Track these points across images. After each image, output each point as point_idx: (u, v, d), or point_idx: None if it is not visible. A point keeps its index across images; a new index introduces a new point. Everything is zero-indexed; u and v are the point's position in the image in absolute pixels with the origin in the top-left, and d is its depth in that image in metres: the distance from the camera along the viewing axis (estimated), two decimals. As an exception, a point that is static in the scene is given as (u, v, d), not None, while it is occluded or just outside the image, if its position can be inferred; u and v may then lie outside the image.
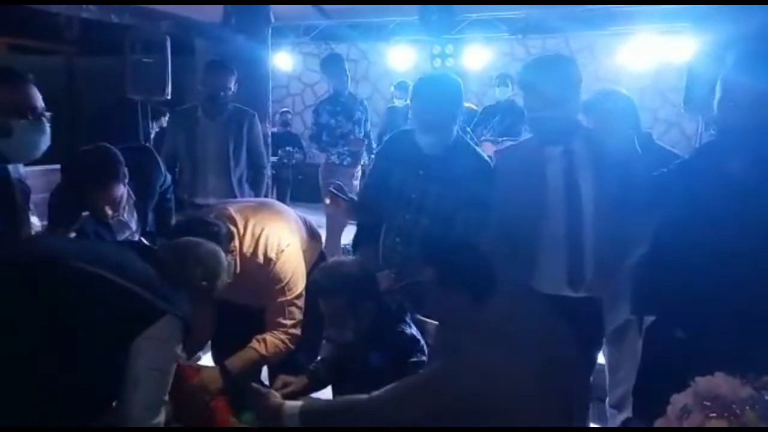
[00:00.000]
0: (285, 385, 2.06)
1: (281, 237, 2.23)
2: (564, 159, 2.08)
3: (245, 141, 3.56)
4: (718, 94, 1.76)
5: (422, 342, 2.05)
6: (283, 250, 2.19)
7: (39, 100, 1.91)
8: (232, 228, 2.11)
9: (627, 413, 2.42)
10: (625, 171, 2.02)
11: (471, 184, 2.23)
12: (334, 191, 2.43)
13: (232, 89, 3.54)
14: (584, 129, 2.21)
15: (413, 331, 2.08)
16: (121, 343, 1.49)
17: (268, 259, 2.16)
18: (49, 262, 1.52)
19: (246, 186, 3.59)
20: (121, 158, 2.28)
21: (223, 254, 1.84)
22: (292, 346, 2.18)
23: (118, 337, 1.49)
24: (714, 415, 0.84)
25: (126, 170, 2.29)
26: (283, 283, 2.18)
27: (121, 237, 2.40)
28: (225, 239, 1.99)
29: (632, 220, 1.96)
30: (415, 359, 1.99)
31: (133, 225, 2.48)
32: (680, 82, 4.18)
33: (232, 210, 2.22)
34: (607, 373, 2.67)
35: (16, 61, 7.78)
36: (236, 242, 2.11)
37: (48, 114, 1.92)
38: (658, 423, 0.96)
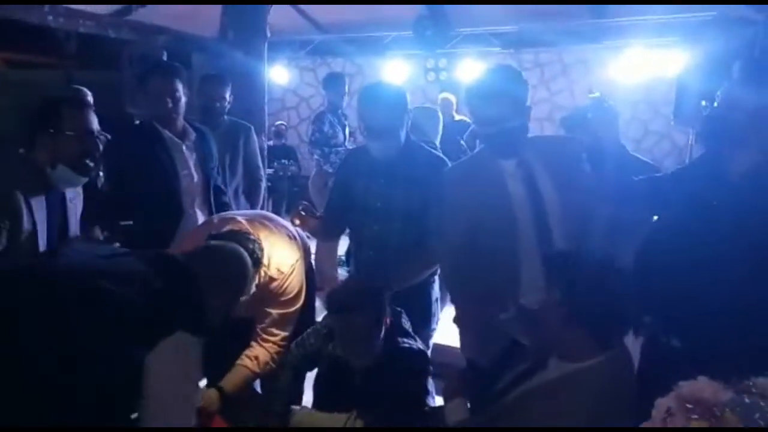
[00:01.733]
0: None
1: (290, 251, 2.27)
2: (521, 169, 2.07)
3: (242, 153, 3.59)
4: (717, 104, 1.78)
5: (428, 354, 2.09)
6: (292, 264, 2.23)
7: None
8: None
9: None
10: (581, 172, 2.03)
11: (431, 182, 2.27)
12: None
13: (228, 100, 3.56)
14: (532, 138, 2.20)
15: (418, 344, 2.10)
16: (132, 357, 1.42)
17: (280, 273, 2.19)
18: (67, 275, 1.51)
19: (242, 198, 3.62)
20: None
21: (250, 262, 1.80)
22: (279, 361, 2.21)
23: (130, 351, 1.42)
24: (695, 417, 0.87)
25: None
26: (290, 296, 2.22)
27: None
28: (262, 250, 2.00)
29: (599, 219, 1.97)
30: (423, 373, 2.03)
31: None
32: (671, 95, 4.24)
33: (244, 222, 2.23)
34: None
35: (16, 76, 7.82)
36: None
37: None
38: (643, 427, 0.99)
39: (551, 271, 1.59)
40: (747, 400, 0.87)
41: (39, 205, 2.00)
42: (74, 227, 2.17)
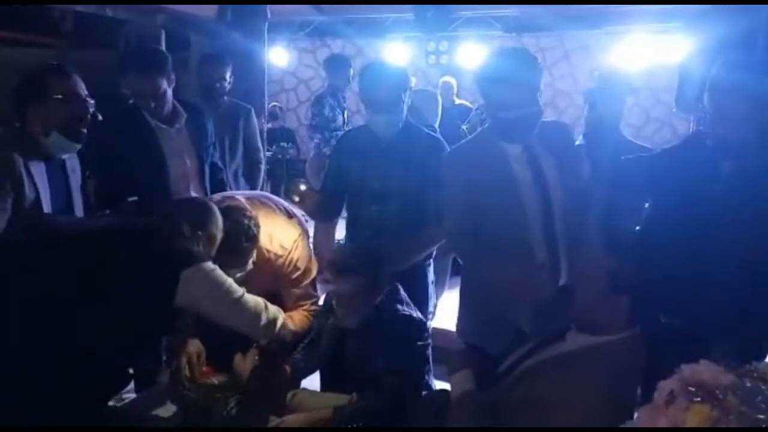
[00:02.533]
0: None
1: (291, 227, 2.32)
2: (526, 153, 2.07)
3: (242, 135, 3.56)
4: (707, 92, 1.78)
5: (428, 324, 2.14)
6: (295, 239, 2.30)
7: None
8: None
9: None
10: (580, 156, 2.10)
11: (430, 163, 2.29)
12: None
13: (228, 81, 3.52)
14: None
15: (418, 313, 2.13)
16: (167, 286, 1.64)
17: (284, 249, 2.25)
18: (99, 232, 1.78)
19: (242, 180, 3.61)
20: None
21: (210, 205, 1.99)
22: (313, 320, 2.30)
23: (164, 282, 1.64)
24: (698, 400, 0.88)
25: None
26: (301, 271, 2.31)
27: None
28: (258, 227, 2.10)
29: (597, 201, 1.98)
30: (421, 342, 2.07)
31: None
32: (672, 82, 4.22)
33: (243, 200, 2.26)
34: None
35: (9, 54, 7.74)
36: None
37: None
38: (644, 409, 0.99)
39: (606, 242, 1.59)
40: (748, 384, 0.88)
41: (39, 172, 2.07)
42: (77, 197, 2.24)
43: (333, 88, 4.95)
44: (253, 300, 1.82)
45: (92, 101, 2.16)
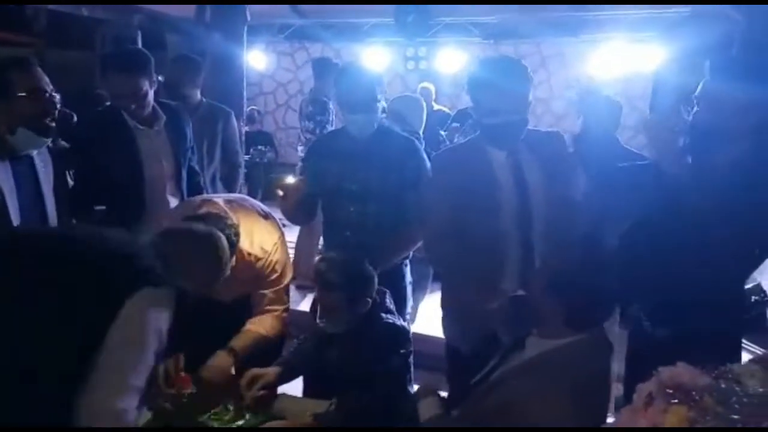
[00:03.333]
0: (254, 380, 2.03)
1: (270, 229, 2.28)
2: (510, 160, 2.08)
3: (220, 138, 3.52)
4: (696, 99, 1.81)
5: (410, 333, 2.14)
6: (275, 242, 2.26)
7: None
8: None
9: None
10: (567, 165, 2.11)
11: (406, 164, 2.35)
12: (288, 180, 2.49)
13: (198, 84, 3.47)
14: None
15: (402, 322, 2.14)
16: (102, 313, 1.37)
17: (264, 252, 2.20)
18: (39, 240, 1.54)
19: (219, 184, 3.56)
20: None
21: (226, 245, 1.82)
22: (284, 329, 2.25)
23: (100, 306, 1.37)
24: (675, 401, 0.89)
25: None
26: (278, 273, 2.25)
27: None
28: (238, 235, 1.99)
29: (582, 210, 2.01)
30: (404, 350, 2.07)
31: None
32: (648, 90, 4.30)
33: (221, 203, 2.22)
34: None
35: (-20, 52, 7.58)
36: None
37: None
38: (624, 410, 1.00)
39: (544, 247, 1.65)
40: (723, 386, 0.89)
41: (3, 170, 1.99)
42: (48, 194, 2.14)
43: (322, 90, 4.90)
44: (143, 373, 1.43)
45: (57, 95, 2.08)
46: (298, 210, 2.47)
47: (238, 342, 2.14)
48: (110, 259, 1.46)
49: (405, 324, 2.16)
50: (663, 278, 1.71)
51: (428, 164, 2.38)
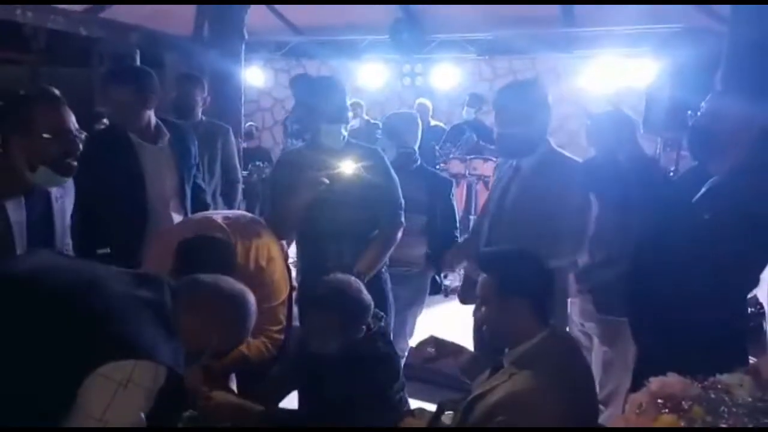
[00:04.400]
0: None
1: (269, 245, 2.26)
2: (511, 171, 2.45)
3: (219, 155, 3.55)
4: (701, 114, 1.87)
5: (397, 359, 2.10)
6: (272, 258, 2.23)
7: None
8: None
9: (613, 409, 2.50)
10: (565, 191, 2.28)
11: (375, 166, 2.49)
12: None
13: (203, 101, 3.52)
14: (546, 150, 2.41)
15: (397, 352, 2.15)
16: (69, 379, 1.24)
17: (259, 267, 2.17)
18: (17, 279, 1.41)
19: (219, 200, 3.59)
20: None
21: (249, 305, 1.62)
22: (274, 352, 2.18)
23: (67, 372, 1.24)
24: (666, 411, 0.90)
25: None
26: (271, 289, 2.20)
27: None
28: (234, 255, 1.99)
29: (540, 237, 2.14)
30: (395, 384, 2.05)
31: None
32: (641, 105, 4.33)
33: (219, 220, 2.21)
34: (600, 370, 2.73)
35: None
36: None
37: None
38: (617, 419, 1.02)
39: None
40: (713, 396, 0.91)
41: (17, 206, 1.90)
42: (60, 227, 2.07)
43: None
44: None
45: (83, 135, 1.96)
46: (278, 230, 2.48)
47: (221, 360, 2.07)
48: (89, 314, 1.30)
49: (390, 351, 2.10)
50: (666, 288, 1.73)
51: (388, 165, 2.62)
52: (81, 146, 1.95)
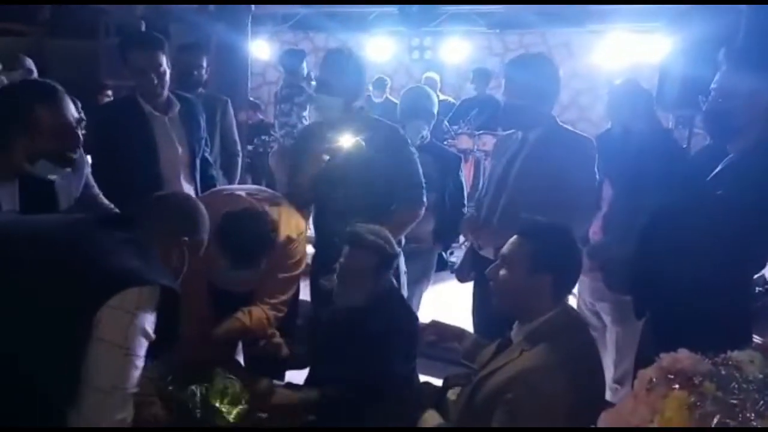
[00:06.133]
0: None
1: (299, 218, 2.31)
2: (518, 144, 2.46)
3: (219, 128, 3.52)
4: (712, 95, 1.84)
5: (416, 316, 2.18)
6: (302, 231, 2.29)
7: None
8: None
9: (628, 388, 2.51)
10: (567, 167, 2.27)
11: (390, 146, 2.44)
12: None
13: (205, 70, 3.46)
14: (552, 125, 2.41)
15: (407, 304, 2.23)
16: (82, 319, 1.32)
17: (290, 239, 2.21)
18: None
19: (219, 173, 3.56)
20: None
21: (201, 205, 1.74)
22: (275, 323, 2.20)
23: (77, 313, 1.33)
24: (676, 387, 0.90)
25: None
26: (295, 260, 2.25)
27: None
28: (272, 227, 2.06)
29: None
30: (412, 338, 2.09)
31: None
32: (654, 81, 4.26)
33: (243, 194, 2.25)
34: (613, 350, 2.74)
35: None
36: None
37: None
38: (627, 396, 1.02)
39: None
40: (723, 372, 0.90)
41: (8, 191, 1.88)
42: (65, 202, 2.08)
43: (296, 79, 4.96)
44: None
45: (84, 123, 1.96)
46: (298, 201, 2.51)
47: (221, 328, 2.13)
48: (84, 260, 1.39)
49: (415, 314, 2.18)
50: (673, 265, 1.72)
51: (407, 142, 2.56)
52: (82, 139, 1.95)
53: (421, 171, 2.55)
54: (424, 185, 2.54)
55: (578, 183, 2.31)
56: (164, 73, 2.62)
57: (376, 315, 2.00)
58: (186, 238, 1.63)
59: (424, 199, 2.55)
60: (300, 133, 2.91)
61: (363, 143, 2.39)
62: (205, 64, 3.46)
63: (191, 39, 4.09)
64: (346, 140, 2.40)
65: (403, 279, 2.67)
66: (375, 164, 2.39)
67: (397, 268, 2.60)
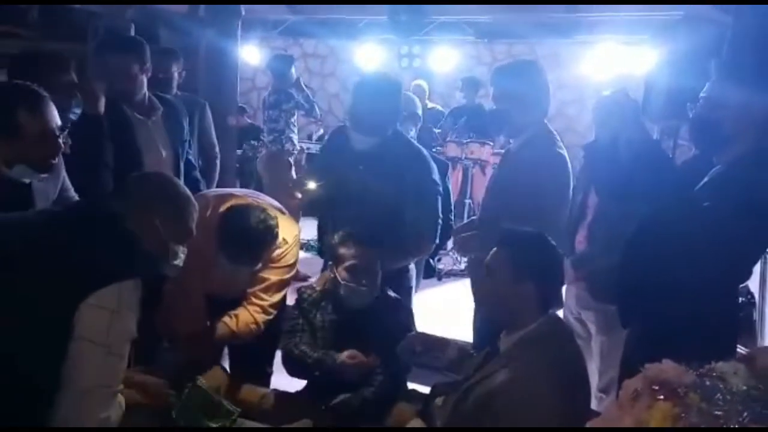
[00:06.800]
0: None
1: (292, 222, 2.34)
2: (505, 152, 2.60)
3: (196, 131, 3.49)
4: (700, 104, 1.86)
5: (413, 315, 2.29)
6: (296, 235, 2.31)
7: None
8: None
9: (612, 397, 2.52)
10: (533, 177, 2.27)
11: (411, 170, 2.37)
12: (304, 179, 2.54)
13: (177, 74, 3.42)
14: (538, 131, 2.39)
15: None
16: (62, 318, 1.31)
17: (285, 242, 2.23)
18: None
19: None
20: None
21: (187, 191, 1.70)
22: (261, 327, 2.20)
23: (56, 311, 1.32)
24: (661, 397, 0.91)
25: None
26: (288, 264, 2.26)
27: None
28: (278, 226, 2.09)
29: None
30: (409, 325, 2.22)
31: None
32: (640, 92, 4.31)
33: (242, 194, 2.31)
34: (598, 359, 2.75)
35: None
36: None
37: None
38: (611, 405, 1.02)
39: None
40: (708, 383, 0.91)
41: None
42: (43, 205, 2.01)
43: (283, 85, 4.95)
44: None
45: (65, 132, 1.92)
46: (309, 207, 2.59)
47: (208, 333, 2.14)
48: (62, 256, 1.37)
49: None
50: (658, 275, 1.73)
51: (434, 171, 2.42)
52: (63, 146, 1.91)
53: (440, 208, 2.46)
54: (440, 224, 2.46)
55: (549, 190, 2.29)
56: (135, 76, 2.58)
57: (382, 315, 2.11)
58: (168, 220, 1.56)
59: (437, 240, 2.49)
60: (330, 138, 2.84)
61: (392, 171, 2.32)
62: (174, 69, 3.43)
63: (180, 44, 4.08)
64: (376, 160, 2.33)
65: (410, 296, 2.66)
66: (398, 193, 2.32)
67: (408, 270, 2.62)
